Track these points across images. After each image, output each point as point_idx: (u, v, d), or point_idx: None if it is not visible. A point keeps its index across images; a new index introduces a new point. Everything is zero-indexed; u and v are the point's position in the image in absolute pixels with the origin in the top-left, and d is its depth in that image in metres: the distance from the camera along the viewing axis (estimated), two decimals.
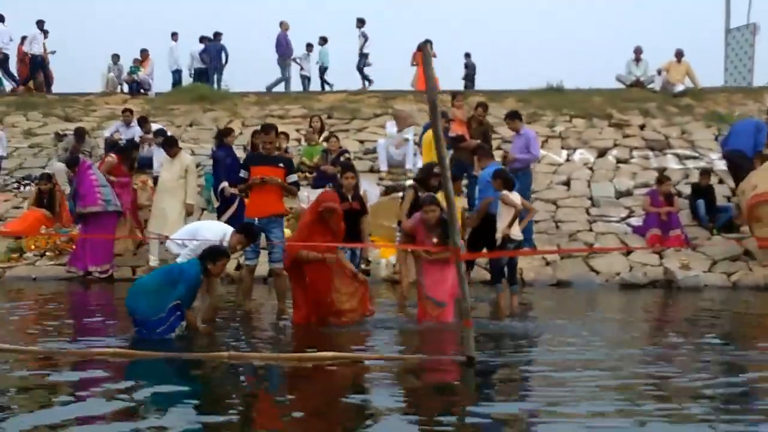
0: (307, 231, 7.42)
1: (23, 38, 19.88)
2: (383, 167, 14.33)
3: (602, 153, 15.05)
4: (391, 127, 14.61)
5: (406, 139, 14.27)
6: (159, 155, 12.63)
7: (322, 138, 14.57)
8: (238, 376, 5.51)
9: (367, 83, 20.60)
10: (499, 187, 8.76)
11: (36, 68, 19.73)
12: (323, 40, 21.01)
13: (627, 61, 18.91)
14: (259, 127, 13.95)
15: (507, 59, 26.06)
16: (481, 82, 21.74)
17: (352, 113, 17.28)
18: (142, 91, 19.85)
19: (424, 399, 4.95)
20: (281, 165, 8.65)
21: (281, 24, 20.38)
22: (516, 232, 8.69)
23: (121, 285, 10.99)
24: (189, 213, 11.36)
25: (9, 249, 11.83)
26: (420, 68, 21.03)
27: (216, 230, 7.99)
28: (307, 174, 13.90)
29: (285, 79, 20.56)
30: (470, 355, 5.62)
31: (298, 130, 16.26)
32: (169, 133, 13.30)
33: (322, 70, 21.21)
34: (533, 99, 17.61)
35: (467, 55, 22.63)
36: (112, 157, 11.91)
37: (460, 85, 21.15)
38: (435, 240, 7.46)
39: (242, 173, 8.72)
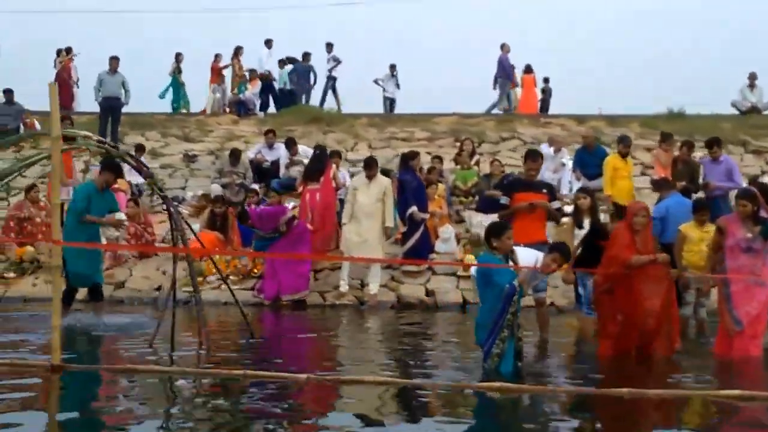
0: (629, 235, 7.09)
1: (217, 56, 19.73)
2: None
3: (752, 180, 14.83)
4: (547, 149, 14.37)
5: (563, 164, 14.05)
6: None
7: (473, 161, 14.34)
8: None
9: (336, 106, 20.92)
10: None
11: (268, 88, 19.98)
12: (282, 63, 20.59)
13: (741, 87, 18.84)
14: (406, 151, 13.74)
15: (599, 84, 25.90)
16: (559, 107, 21.49)
17: (478, 136, 17.03)
18: (246, 111, 19.65)
19: None
20: (544, 191, 8.44)
21: (502, 46, 20.06)
22: None
23: (322, 310, 10.73)
24: (388, 236, 11.06)
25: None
26: (523, 91, 21.08)
27: (527, 254, 7.63)
28: (462, 198, 13.63)
29: (501, 101, 20.28)
30: None
31: (429, 153, 15.99)
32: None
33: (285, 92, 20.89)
34: (658, 124, 17.40)
35: (545, 80, 22.55)
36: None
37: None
38: (749, 235, 7.19)
39: (503, 200, 8.48)
